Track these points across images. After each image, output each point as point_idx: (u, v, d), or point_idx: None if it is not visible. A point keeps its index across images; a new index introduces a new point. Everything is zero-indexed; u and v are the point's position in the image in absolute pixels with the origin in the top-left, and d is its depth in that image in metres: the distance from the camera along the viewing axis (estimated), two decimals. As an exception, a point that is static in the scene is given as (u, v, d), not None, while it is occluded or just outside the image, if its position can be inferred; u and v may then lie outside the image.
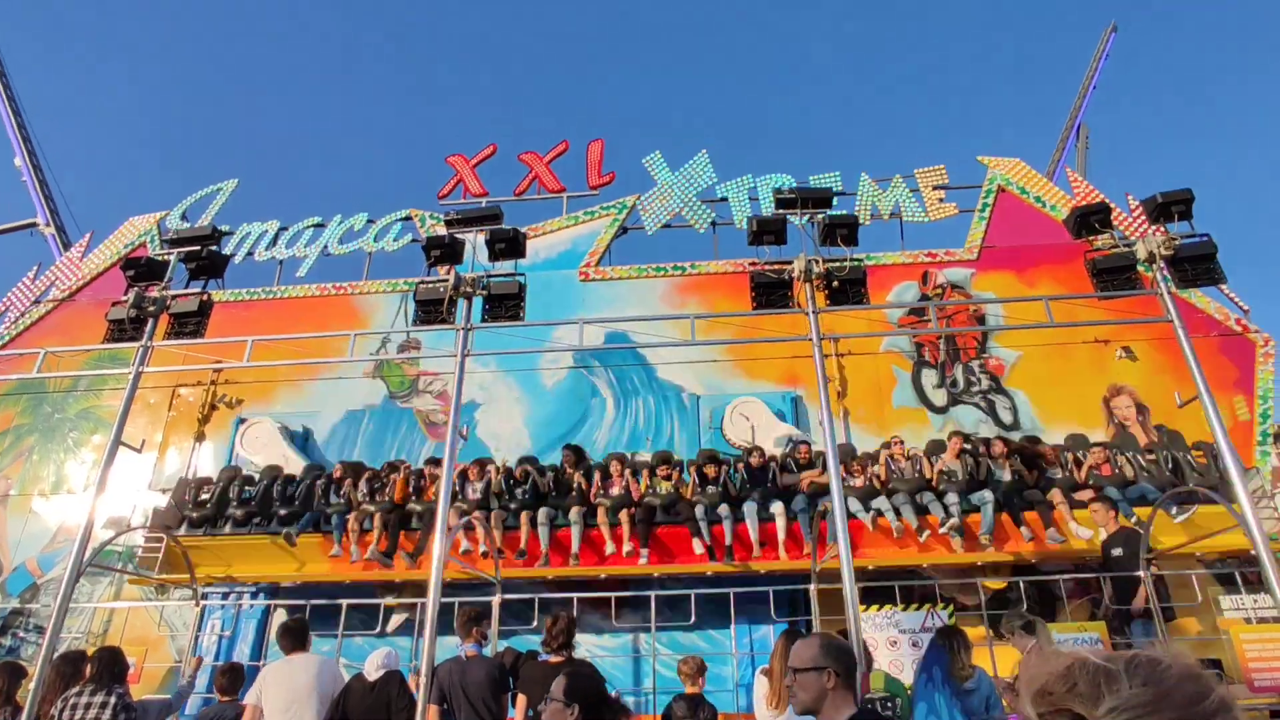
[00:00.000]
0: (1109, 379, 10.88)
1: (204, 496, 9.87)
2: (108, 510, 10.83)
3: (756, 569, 8.64)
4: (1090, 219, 7.14)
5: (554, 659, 5.63)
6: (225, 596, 10.33)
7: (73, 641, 9.95)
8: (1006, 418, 10.85)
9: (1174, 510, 8.08)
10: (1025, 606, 7.81)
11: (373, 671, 5.91)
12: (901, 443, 9.30)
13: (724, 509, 8.62)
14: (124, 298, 7.25)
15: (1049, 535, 8.22)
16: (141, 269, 7.42)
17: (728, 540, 8.52)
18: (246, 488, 9.89)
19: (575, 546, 8.71)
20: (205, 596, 9.99)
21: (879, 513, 8.49)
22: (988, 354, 11.35)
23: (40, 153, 19.60)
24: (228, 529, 9.47)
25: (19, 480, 11.91)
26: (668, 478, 9.09)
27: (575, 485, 9.21)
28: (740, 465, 9.09)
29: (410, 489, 9.42)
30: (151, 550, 9.55)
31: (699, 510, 8.64)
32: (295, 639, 6.29)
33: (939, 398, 11.09)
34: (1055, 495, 8.53)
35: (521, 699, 5.65)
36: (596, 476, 9.28)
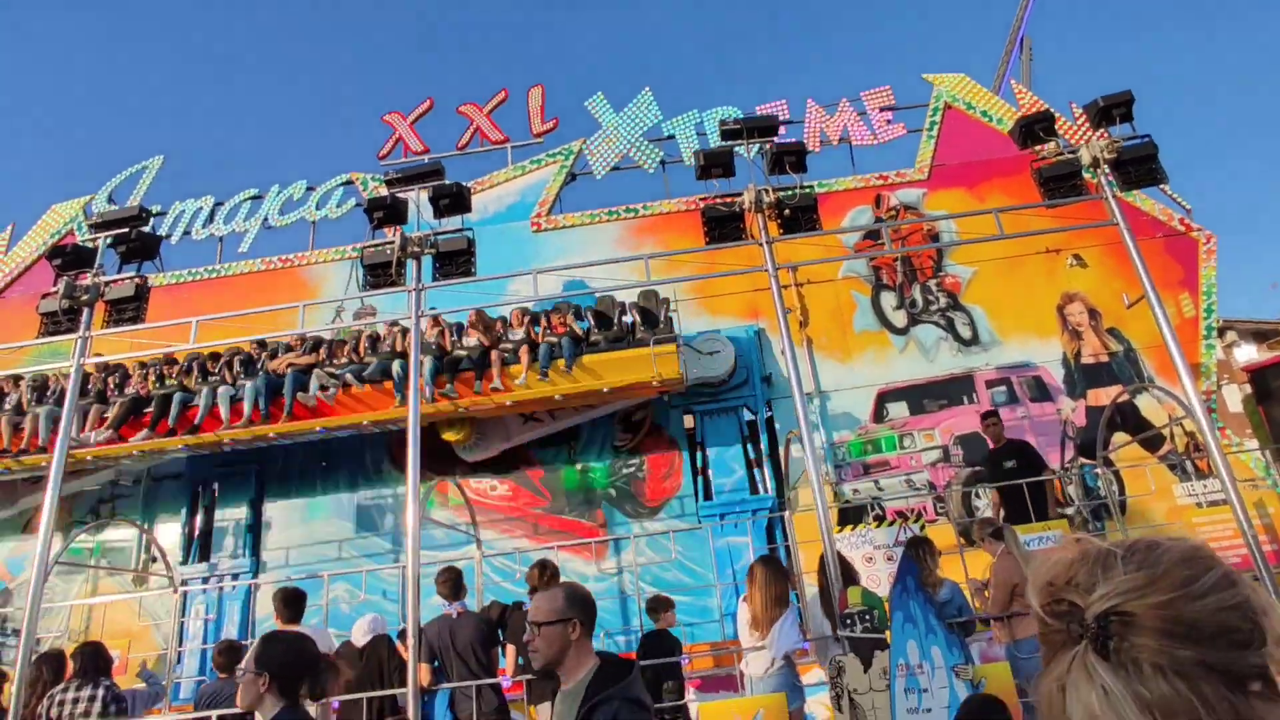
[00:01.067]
0: (1061, 287, 11.09)
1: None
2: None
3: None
4: (1035, 128, 7.16)
5: (540, 608, 5.70)
6: (205, 581, 10.26)
7: (53, 641, 9.82)
8: (965, 333, 11.05)
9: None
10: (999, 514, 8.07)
11: (360, 637, 5.96)
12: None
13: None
14: (54, 289, 6.93)
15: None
16: (69, 257, 7.08)
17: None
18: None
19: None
20: (185, 583, 9.92)
21: None
22: (944, 272, 11.47)
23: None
24: None
25: (-26, 486, 11.53)
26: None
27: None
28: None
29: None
30: None
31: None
32: (293, 610, 6.26)
33: (899, 319, 11.23)
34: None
35: (511, 649, 5.76)
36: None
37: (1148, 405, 10.13)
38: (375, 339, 10.00)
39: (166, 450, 9.61)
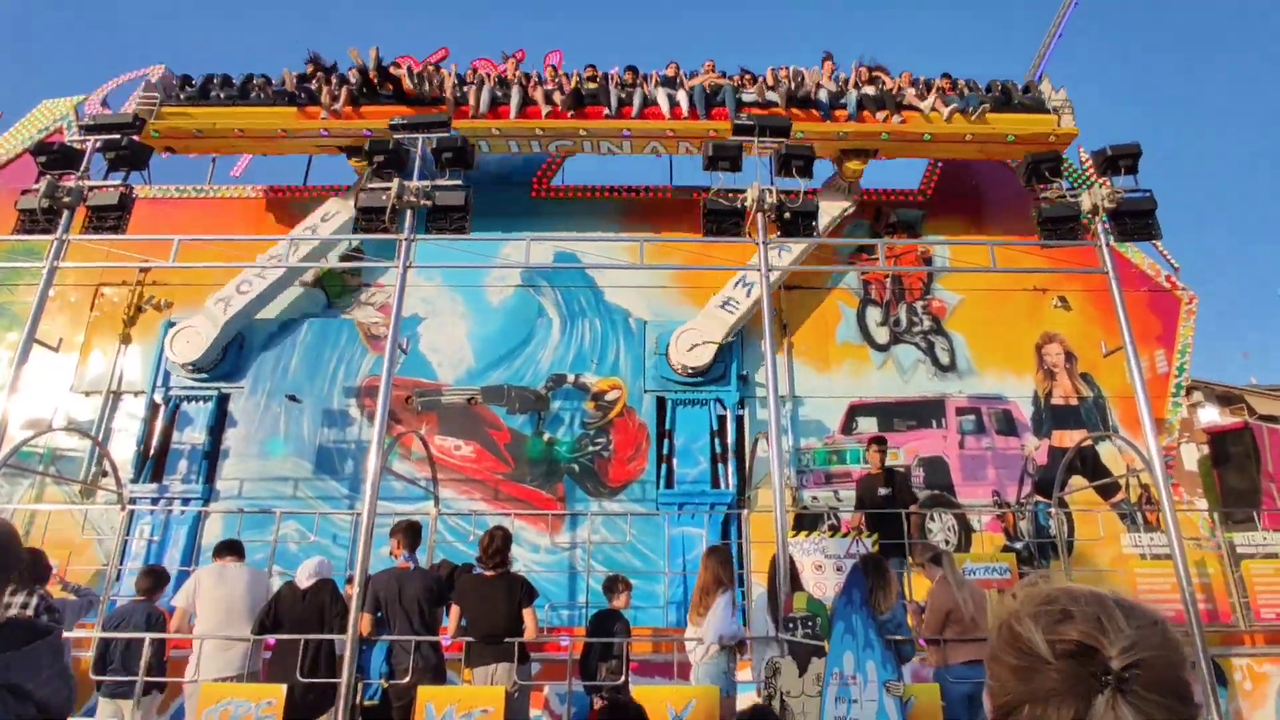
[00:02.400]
0: (1043, 327, 11.25)
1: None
2: (26, 411, 10.37)
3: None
4: (1041, 166, 7.22)
5: (490, 572, 5.72)
6: (154, 502, 10.13)
7: (-10, 542, 9.67)
8: (944, 359, 11.17)
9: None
10: (943, 539, 8.22)
11: (305, 579, 5.92)
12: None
13: None
14: (35, 186, 6.73)
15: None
16: (55, 155, 6.88)
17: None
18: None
19: None
20: (134, 500, 9.78)
21: None
22: (931, 295, 11.57)
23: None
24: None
25: (-73, 375, 11.26)
26: None
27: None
28: None
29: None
30: (147, 105, 10.35)
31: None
32: (229, 547, 6.26)
33: (881, 335, 11.32)
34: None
35: (455, 609, 5.75)
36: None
37: (1108, 453, 10.34)
38: None
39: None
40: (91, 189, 6.81)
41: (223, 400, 10.75)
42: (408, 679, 5.43)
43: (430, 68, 11.03)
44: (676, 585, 9.19)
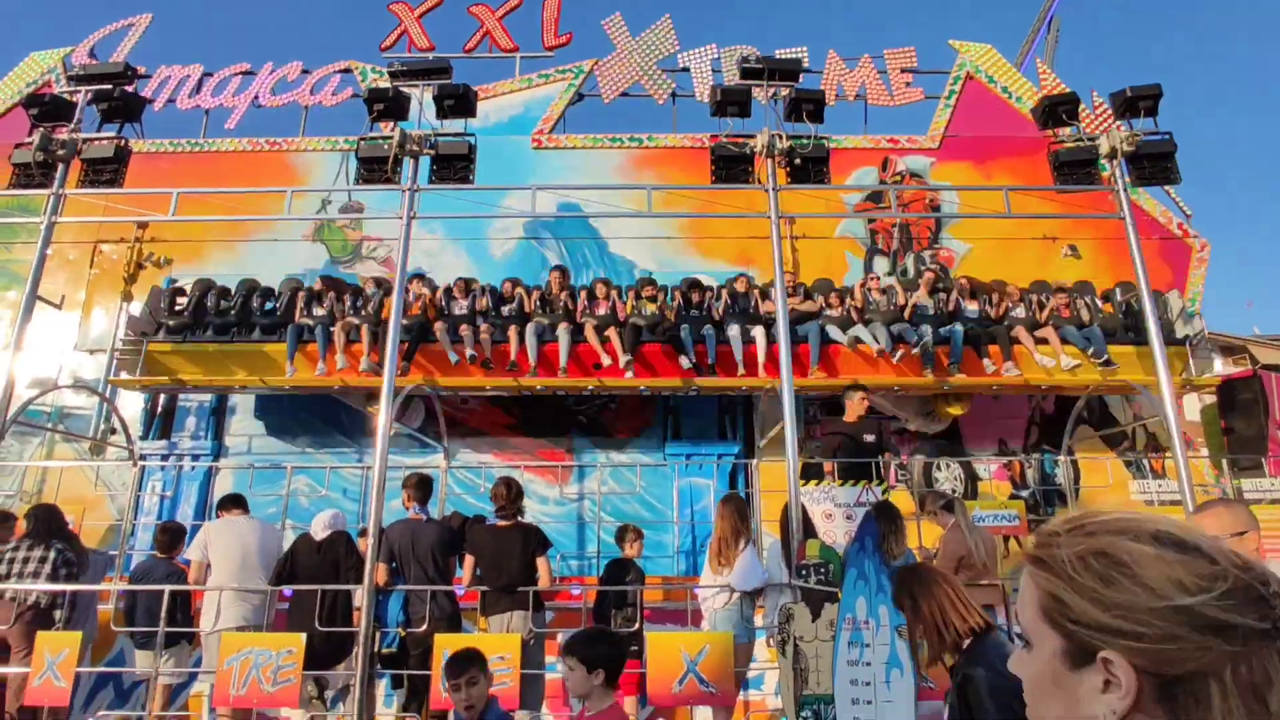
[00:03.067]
0: (1051, 276, 11.11)
1: (179, 305, 9.71)
2: (32, 370, 10.35)
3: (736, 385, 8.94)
4: (1058, 109, 7.04)
5: (503, 523, 5.75)
6: (165, 458, 10.18)
7: (4, 500, 9.76)
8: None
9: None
10: (950, 488, 8.26)
11: (320, 531, 5.97)
12: (877, 277, 9.70)
13: (708, 329, 8.90)
14: (29, 139, 6.58)
15: (1006, 368, 8.68)
16: (46, 107, 6.70)
17: (710, 358, 8.81)
18: (223, 300, 9.73)
19: (563, 360, 8.71)
20: (144, 457, 9.83)
21: (857, 339, 8.93)
22: (939, 244, 11.43)
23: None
24: (209, 334, 9.35)
25: (-71, 336, 11.21)
26: (653, 299, 9.25)
27: (562, 304, 9.27)
28: (724, 291, 9.34)
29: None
30: (130, 354, 9.24)
31: (684, 330, 8.86)
32: (234, 501, 6.30)
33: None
34: (1019, 332, 8.99)
35: (469, 559, 5.81)
36: (582, 296, 9.36)
37: (1115, 402, 10.33)
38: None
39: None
40: (86, 141, 6.65)
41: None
42: (424, 628, 5.51)
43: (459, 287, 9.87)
44: (685, 535, 9.29)
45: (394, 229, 7.51)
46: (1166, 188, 10.49)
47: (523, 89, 12.24)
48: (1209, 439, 10.67)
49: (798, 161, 6.80)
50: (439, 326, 8.81)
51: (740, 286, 9.34)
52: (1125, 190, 6.71)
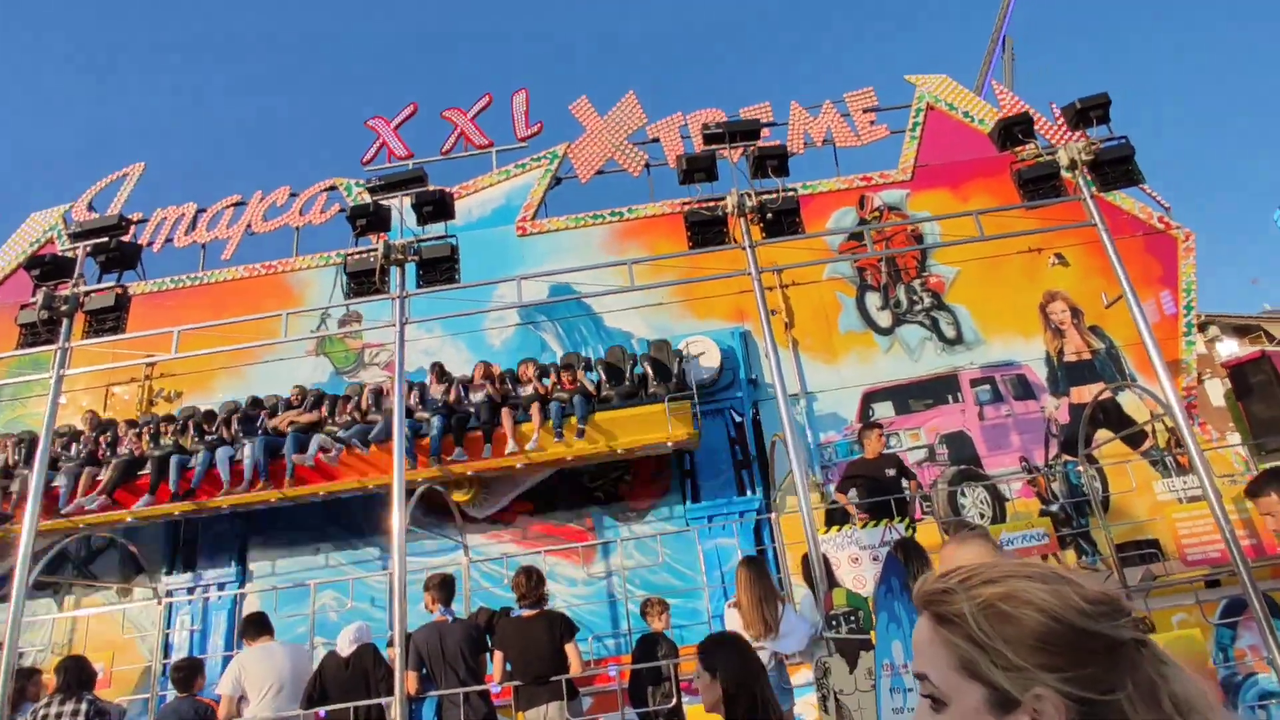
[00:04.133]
0: (1044, 286, 11.20)
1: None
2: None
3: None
4: (1014, 129, 7.23)
5: (528, 613, 5.70)
6: (190, 591, 10.17)
7: (36, 655, 9.73)
8: (950, 333, 11.13)
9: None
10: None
11: (345, 646, 5.92)
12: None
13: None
14: (33, 299, 6.86)
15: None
16: (47, 267, 7.01)
17: None
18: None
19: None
20: (169, 594, 9.83)
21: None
22: (928, 272, 11.55)
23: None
24: None
25: (-46, 499, 11.39)
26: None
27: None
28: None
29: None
30: None
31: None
32: (261, 626, 6.25)
33: (884, 319, 11.30)
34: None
35: (498, 655, 5.73)
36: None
37: (1130, 402, 10.24)
38: (379, 393, 9.74)
39: (162, 516, 9.37)
40: (87, 294, 6.92)
41: (245, 480, 10.80)
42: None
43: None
44: (718, 599, 9.12)
45: (393, 334, 7.71)
46: (1142, 186, 10.66)
47: (502, 181, 12.67)
48: (1238, 424, 10.52)
49: (770, 216, 6.97)
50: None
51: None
52: (1092, 197, 6.82)
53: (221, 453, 9.08)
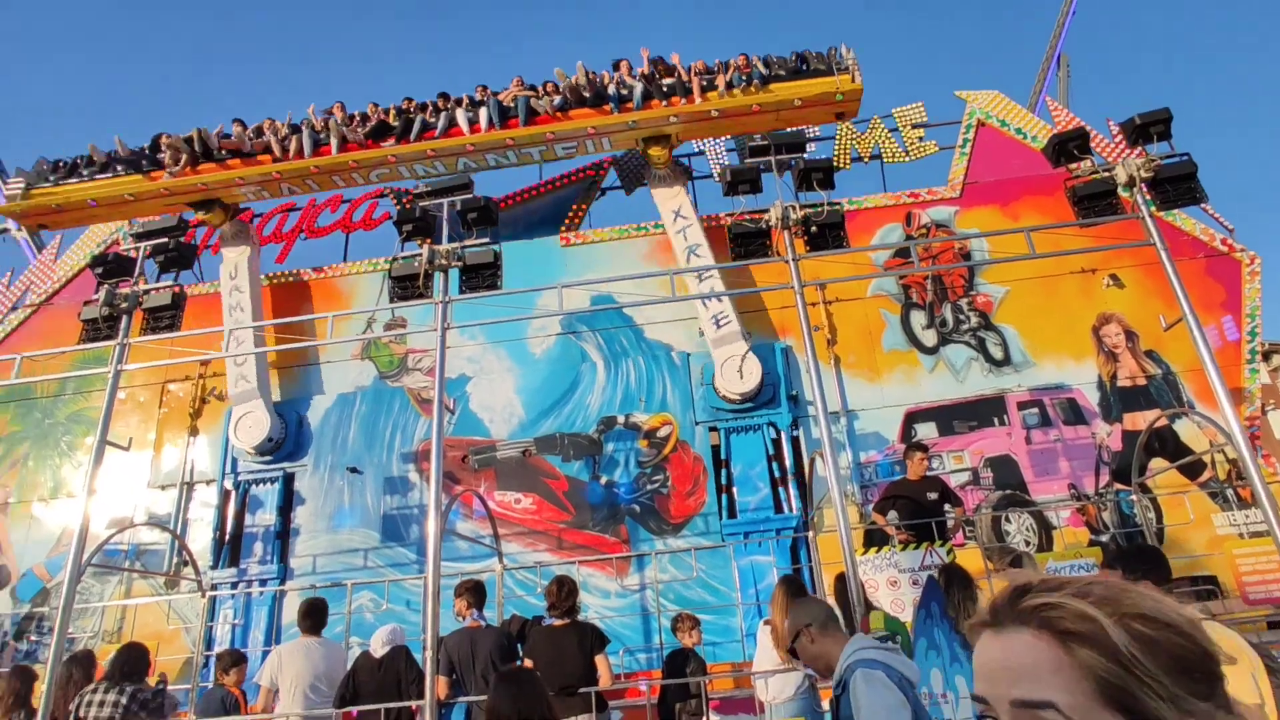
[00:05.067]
0: (1097, 308, 10.85)
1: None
2: (110, 510, 10.85)
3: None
4: (1068, 145, 7.05)
5: (559, 622, 5.68)
6: (233, 586, 10.41)
7: (87, 641, 10.04)
8: (997, 354, 10.85)
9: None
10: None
11: (379, 648, 5.97)
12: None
13: None
14: (95, 296, 7.14)
15: None
16: (110, 266, 7.30)
17: None
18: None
19: None
20: (214, 587, 10.07)
21: None
22: (975, 291, 11.30)
23: (2, 150, 19.17)
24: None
25: (16, 487, 11.88)
26: None
27: None
28: None
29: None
30: (14, 189, 10.77)
31: None
32: (315, 620, 6.32)
33: (929, 338, 11.07)
34: None
35: (528, 664, 5.71)
36: None
37: (1188, 431, 9.84)
38: None
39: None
40: (146, 292, 7.17)
41: (288, 480, 11.06)
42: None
43: (256, 126, 11.30)
44: (751, 617, 8.99)
45: (435, 340, 7.83)
46: (1204, 206, 10.29)
47: (548, 191, 12.80)
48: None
49: (814, 229, 6.90)
50: None
51: None
52: (1151, 216, 6.59)
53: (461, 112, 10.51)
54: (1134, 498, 7.62)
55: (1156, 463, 9.32)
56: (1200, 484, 9.38)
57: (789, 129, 9.61)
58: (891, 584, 7.00)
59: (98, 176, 10.95)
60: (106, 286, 7.09)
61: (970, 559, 7.43)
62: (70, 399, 12.24)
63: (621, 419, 10.84)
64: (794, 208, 6.91)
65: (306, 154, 10.44)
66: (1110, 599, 0.81)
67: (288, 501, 10.96)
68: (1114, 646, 0.77)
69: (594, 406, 10.97)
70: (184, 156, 10.51)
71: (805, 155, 7.42)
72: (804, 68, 10.21)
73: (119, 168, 10.95)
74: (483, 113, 10.47)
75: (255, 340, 9.84)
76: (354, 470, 10.89)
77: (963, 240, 11.41)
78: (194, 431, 11.62)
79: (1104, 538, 9.12)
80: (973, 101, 12.67)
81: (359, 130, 10.50)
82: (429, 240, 7.40)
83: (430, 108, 10.90)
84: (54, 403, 12.25)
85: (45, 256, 13.56)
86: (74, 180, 11.00)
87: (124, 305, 7.02)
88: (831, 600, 7.02)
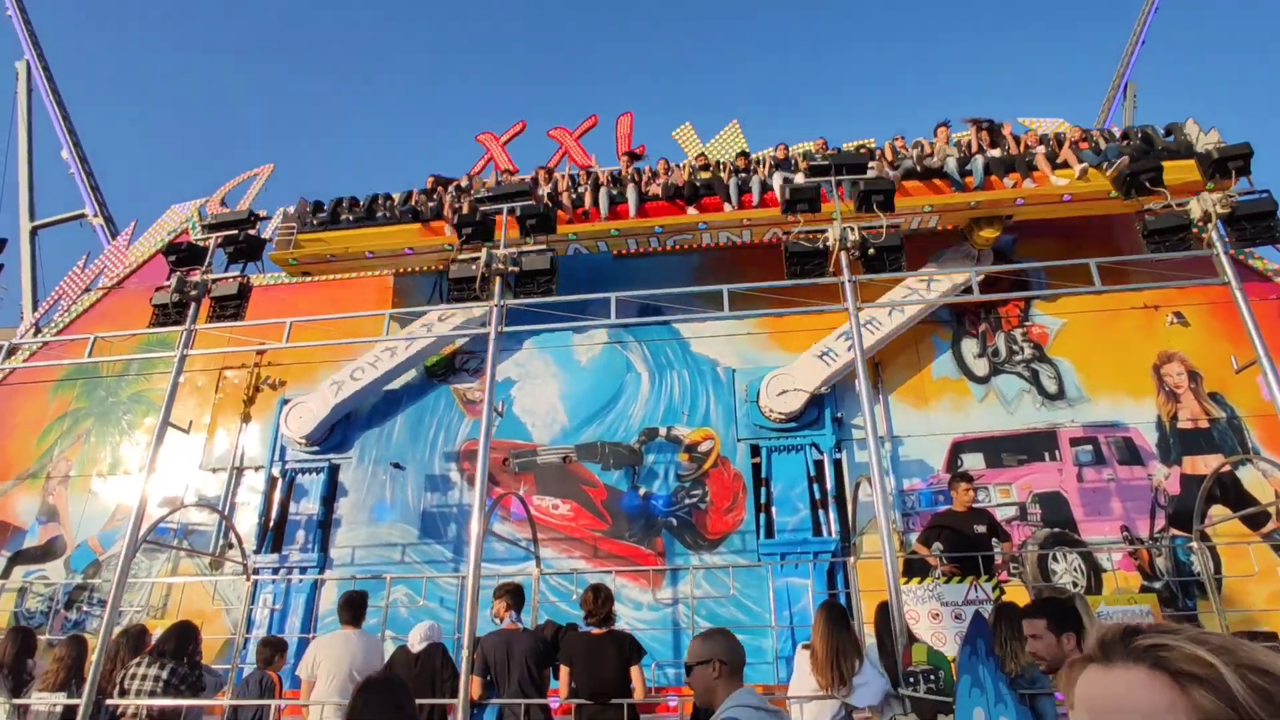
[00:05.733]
0: (1159, 346, 10.52)
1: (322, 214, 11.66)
2: (162, 490, 11.22)
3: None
4: (1140, 178, 6.86)
5: (596, 630, 5.68)
6: (275, 571, 10.65)
7: (134, 615, 10.36)
8: (1051, 387, 10.59)
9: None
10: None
11: (417, 643, 6.04)
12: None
13: None
14: (166, 283, 7.41)
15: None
16: (183, 254, 7.58)
17: None
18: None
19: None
20: (257, 571, 10.31)
21: None
22: (1030, 322, 11.05)
23: (84, 144, 20.08)
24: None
25: (78, 461, 12.37)
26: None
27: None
28: None
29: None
30: (284, 237, 11.25)
31: None
32: (355, 612, 6.43)
33: (980, 367, 10.85)
34: (1039, 158, 10.10)
35: (564, 670, 5.72)
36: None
37: (1252, 478, 9.45)
38: None
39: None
40: (215, 281, 7.42)
41: (333, 471, 11.29)
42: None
43: (542, 173, 11.55)
44: (784, 639, 8.88)
45: (485, 343, 7.93)
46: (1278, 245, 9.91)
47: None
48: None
49: (872, 251, 6.83)
50: None
51: None
52: (1226, 253, 6.38)
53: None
54: (1193, 545, 7.33)
55: (1217, 510, 8.97)
56: (1264, 535, 8.99)
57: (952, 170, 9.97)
58: (933, 617, 6.85)
59: (365, 224, 11.28)
60: (178, 274, 7.36)
61: (1015, 597, 7.23)
62: (133, 380, 12.71)
63: (663, 431, 10.84)
64: (853, 228, 6.85)
65: (604, 213, 10.67)
66: (1228, 649, 0.83)
67: (331, 492, 11.19)
68: (1230, 693, 0.79)
69: (636, 417, 10.99)
70: (465, 204, 9.89)
71: (865, 177, 7.33)
72: (1149, 147, 9.66)
73: (388, 213, 11.21)
74: (800, 179, 9.54)
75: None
76: (397, 466, 11.08)
77: (1020, 268, 11.16)
78: (246, 418, 11.96)
79: (1157, 584, 8.81)
80: (1037, 129, 12.42)
81: (669, 187, 10.52)
82: (485, 244, 7.51)
83: (729, 169, 10.85)
84: (118, 382, 12.74)
85: (120, 242, 14.15)
86: (337, 226, 11.33)
87: (193, 293, 7.27)
88: (870, 629, 6.90)
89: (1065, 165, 9.91)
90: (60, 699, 5.94)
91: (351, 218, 11.24)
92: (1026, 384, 10.64)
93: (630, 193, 10.51)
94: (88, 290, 13.61)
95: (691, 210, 10.47)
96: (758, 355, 11.06)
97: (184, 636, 6.45)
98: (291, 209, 11.93)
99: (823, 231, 6.93)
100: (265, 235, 11.75)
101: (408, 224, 11.04)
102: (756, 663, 8.70)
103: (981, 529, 7.28)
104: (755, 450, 10.45)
